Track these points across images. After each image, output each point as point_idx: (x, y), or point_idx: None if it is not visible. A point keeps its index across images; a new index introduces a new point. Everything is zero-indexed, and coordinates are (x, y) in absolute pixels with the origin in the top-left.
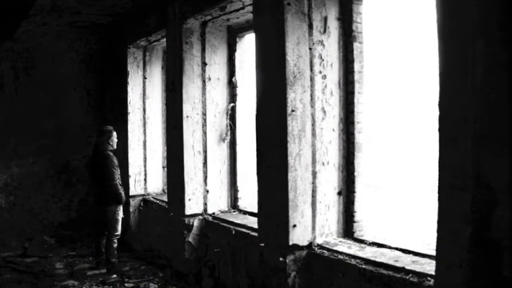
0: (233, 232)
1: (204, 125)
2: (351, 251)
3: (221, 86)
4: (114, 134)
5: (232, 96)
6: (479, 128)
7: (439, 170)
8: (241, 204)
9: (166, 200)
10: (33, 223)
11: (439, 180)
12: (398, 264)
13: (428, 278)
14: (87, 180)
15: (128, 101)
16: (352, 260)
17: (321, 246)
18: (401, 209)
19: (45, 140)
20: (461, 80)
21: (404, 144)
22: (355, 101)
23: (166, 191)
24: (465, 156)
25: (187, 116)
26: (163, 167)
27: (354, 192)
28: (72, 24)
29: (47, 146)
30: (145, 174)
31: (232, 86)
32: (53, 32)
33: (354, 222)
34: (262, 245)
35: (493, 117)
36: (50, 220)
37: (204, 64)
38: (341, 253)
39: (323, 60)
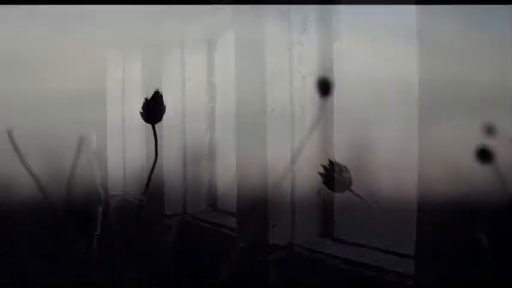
0: (212, 232)
1: (184, 124)
2: (331, 251)
3: (200, 85)
4: (94, 134)
5: (212, 96)
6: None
7: (419, 167)
8: (221, 204)
9: (145, 200)
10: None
11: (418, 175)
12: (378, 264)
13: (409, 279)
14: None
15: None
16: (331, 260)
17: (300, 246)
18: (382, 208)
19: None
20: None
21: (386, 144)
22: (335, 101)
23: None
24: (444, 152)
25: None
26: (143, 167)
27: (333, 191)
28: None
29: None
30: (124, 174)
31: (211, 85)
32: None
33: (334, 222)
34: (242, 245)
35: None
36: None
37: (183, 64)
38: (321, 253)
39: (302, 60)
